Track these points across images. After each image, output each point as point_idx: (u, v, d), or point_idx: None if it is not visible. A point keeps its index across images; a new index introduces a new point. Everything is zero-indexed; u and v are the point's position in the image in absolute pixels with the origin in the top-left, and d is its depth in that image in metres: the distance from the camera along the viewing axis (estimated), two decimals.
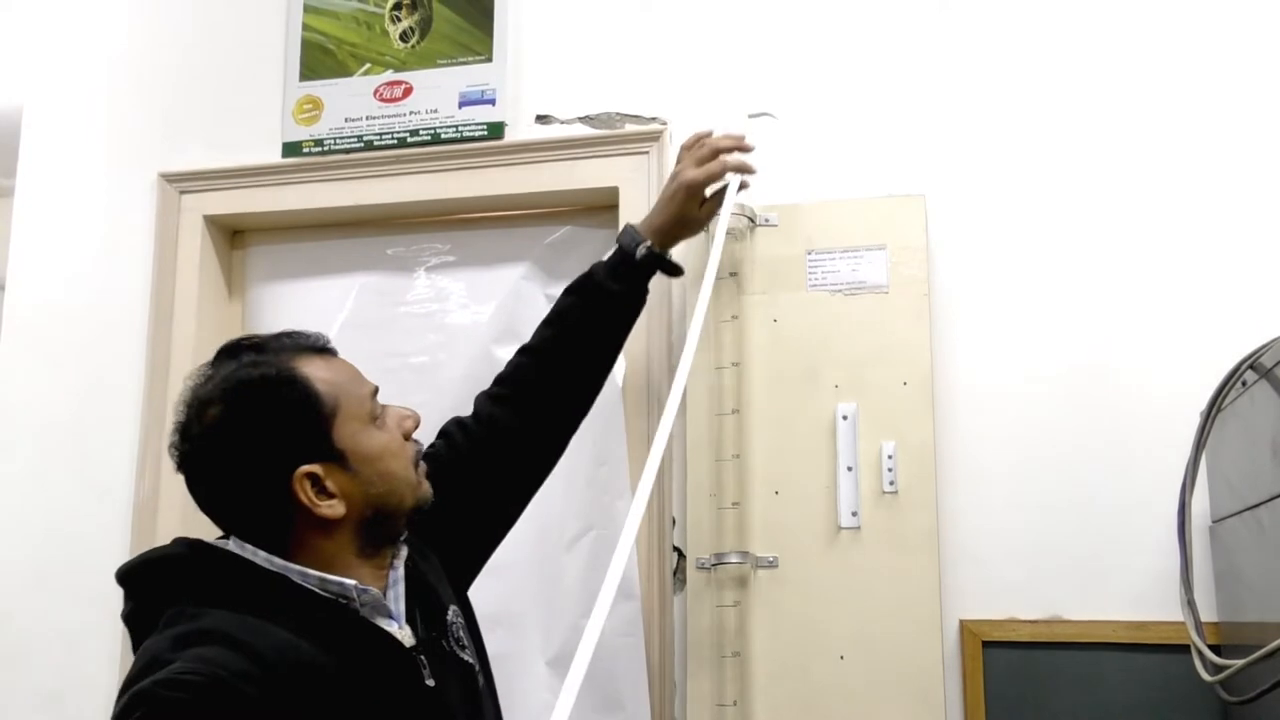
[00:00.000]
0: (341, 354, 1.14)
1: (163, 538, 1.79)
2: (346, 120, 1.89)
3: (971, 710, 1.51)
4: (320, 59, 1.92)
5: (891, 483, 1.53)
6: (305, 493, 1.04)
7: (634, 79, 1.79)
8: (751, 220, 1.63)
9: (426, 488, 1.15)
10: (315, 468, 1.04)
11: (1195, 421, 1.38)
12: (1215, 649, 1.27)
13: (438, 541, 1.24)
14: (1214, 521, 1.44)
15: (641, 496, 1.07)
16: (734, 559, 1.55)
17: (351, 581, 1.05)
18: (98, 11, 2.05)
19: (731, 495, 1.58)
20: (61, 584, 1.86)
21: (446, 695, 1.09)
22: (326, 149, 1.89)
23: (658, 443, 1.14)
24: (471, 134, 1.83)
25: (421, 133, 1.85)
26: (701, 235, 1.63)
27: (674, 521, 1.64)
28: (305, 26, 1.94)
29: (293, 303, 1.92)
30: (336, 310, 1.88)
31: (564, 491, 1.67)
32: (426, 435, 1.25)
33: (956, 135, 1.66)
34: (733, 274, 1.63)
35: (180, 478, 1.06)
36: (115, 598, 1.06)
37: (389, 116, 1.87)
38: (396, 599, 1.11)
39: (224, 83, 1.97)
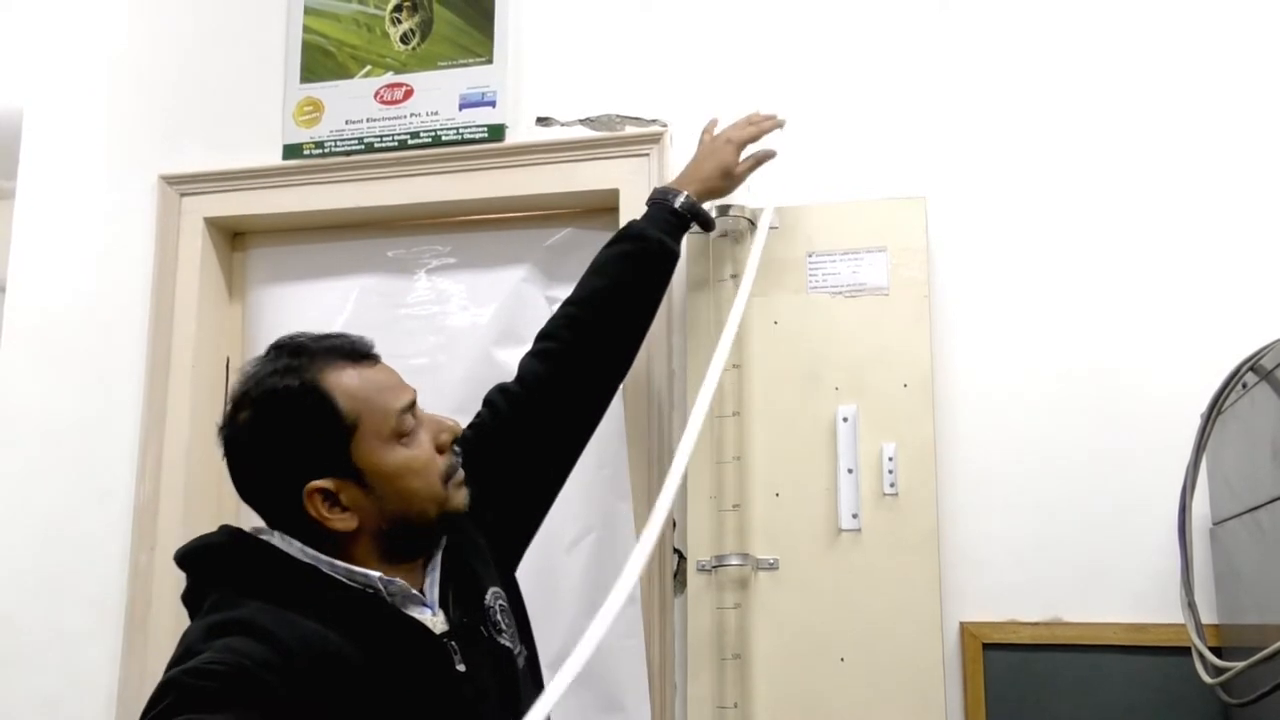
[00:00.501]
0: None
1: (163, 539, 1.81)
2: (347, 122, 1.89)
3: (972, 712, 1.51)
4: (321, 61, 1.92)
5: (892, 485, 1.53)
6: (315, 507, 1.06)
7: (634, 81, 1.79)
8: (752, 222, 1.63)
9: (457, 499, 1.15)
10: (327, 483, 1.06)
11: (1196, 423, 1.38)
12: (1216, 651, 1.27)
13: (482, 519, 1.24)
14: (1214, 523, 1.44)
15: (663, 505, 1.07)
16: (734, 561, 1.55)
17: (377, 574, 1.07)
18: (98, 13, 2.05)
19: (732, 497, 1.58)
20: (61, 586, 1.85)
21: (478, 679, 1.10)
22: (327, 151, 1.89)
23: (681, 450, 1.14)
24: (472, 136, 1.83)
25: (422, 135, 1.85)
26: (705, 241, 1.63)
27: (674, 524, 1.64)
28: (306, 28, 1.94)
29: (293, 305, 1.92)
30: (337, 312, 1.88)
31: (564, 494, 1.65)
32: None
33: (957, 137, 1.66)
34: (733, 276, 1.63)
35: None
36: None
37: (389, 118, 1.87)
38: (431, 585, 1.13)
39: (224, 85, 1.97)
